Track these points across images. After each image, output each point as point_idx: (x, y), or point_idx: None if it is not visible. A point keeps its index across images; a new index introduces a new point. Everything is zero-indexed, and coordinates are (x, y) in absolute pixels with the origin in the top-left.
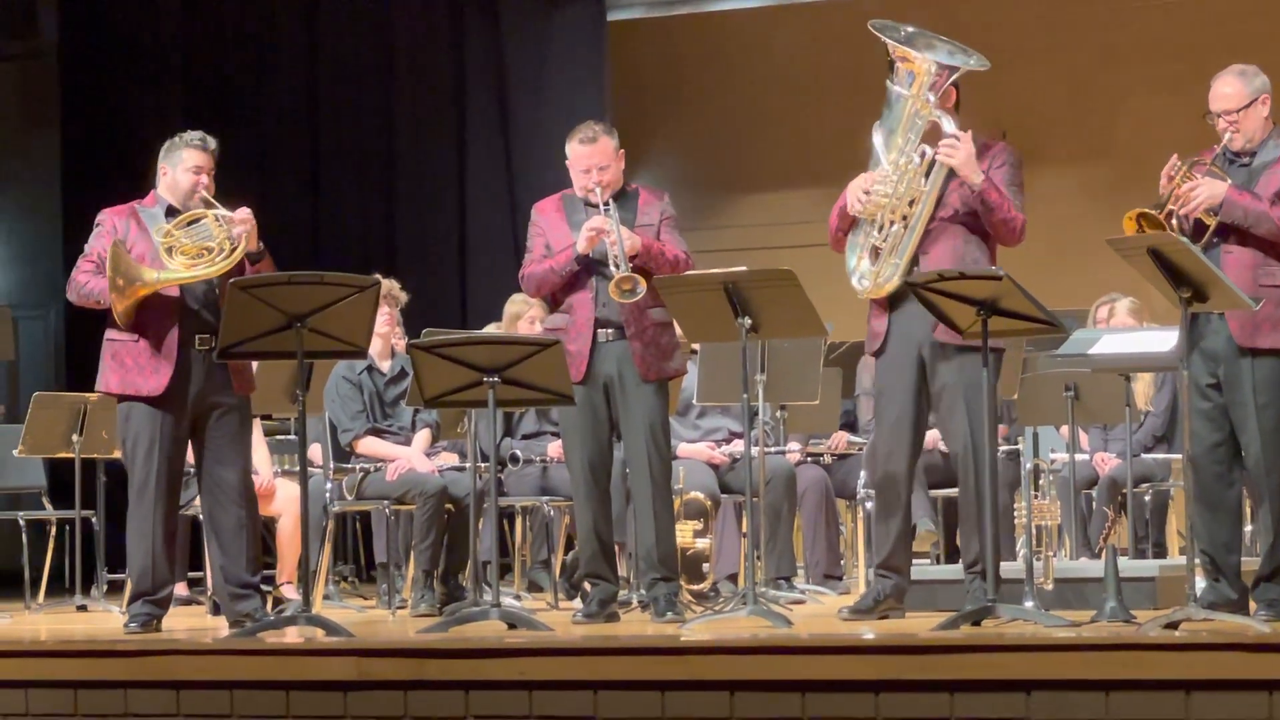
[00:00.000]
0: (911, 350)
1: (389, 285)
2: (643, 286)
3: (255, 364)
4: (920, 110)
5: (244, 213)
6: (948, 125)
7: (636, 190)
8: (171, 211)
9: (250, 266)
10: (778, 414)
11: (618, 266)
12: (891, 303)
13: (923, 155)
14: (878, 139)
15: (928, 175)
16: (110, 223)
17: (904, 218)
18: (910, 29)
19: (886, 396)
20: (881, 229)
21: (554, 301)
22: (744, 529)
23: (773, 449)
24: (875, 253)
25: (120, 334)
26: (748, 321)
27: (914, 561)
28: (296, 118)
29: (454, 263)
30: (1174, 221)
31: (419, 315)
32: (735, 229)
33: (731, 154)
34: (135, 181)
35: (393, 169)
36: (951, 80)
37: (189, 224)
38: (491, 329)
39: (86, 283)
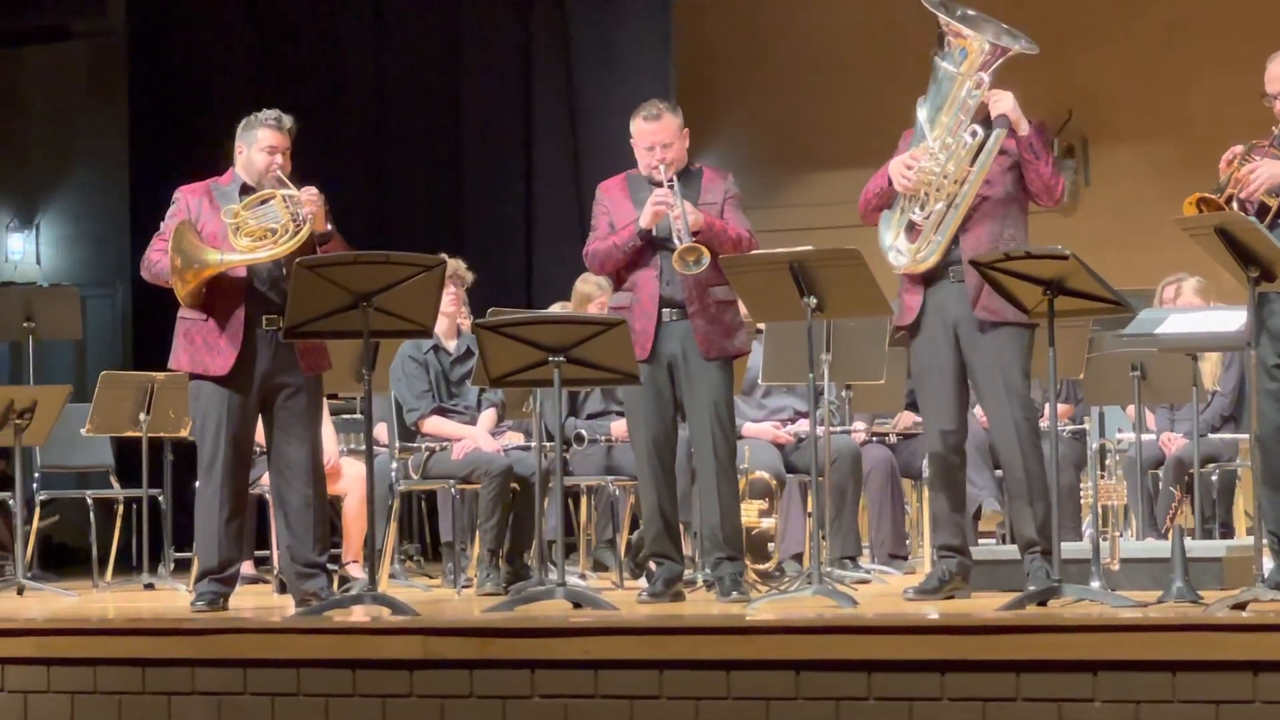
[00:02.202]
0: (947, 328)
1: (455, 265)
2: (707, 258)
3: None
4: (971, 89)
5: (310, 192)
6: (1000, 105)
7: (700, 169)
8: (246, 190)
9: (320, 248)
10: (843, 393)
11: (681, 240)
12: (926, 279)
13: (974, 135)
14: (922, 114)
15: (977, 155)
16: (184, 201)
17: (949, 197)
18: (965, 9)
19: (925, 376)
20: (924, 206)
21: (618, 280)
22: (809, 508)
23: (838, 428)
24: (912, 228)
25: (191, 313)
26: (813, 301)
27: (980, 541)
28: (364, 99)
29: (520, 242)
30: (1234, 205)
31: (484, 295)
32: (801, 208)
33: (797, 133)
34: (203, 160)
35: (459, 149)
36: (1001, 62)
37: (258, 204)
38: (557, 308)
39: (158, 261)
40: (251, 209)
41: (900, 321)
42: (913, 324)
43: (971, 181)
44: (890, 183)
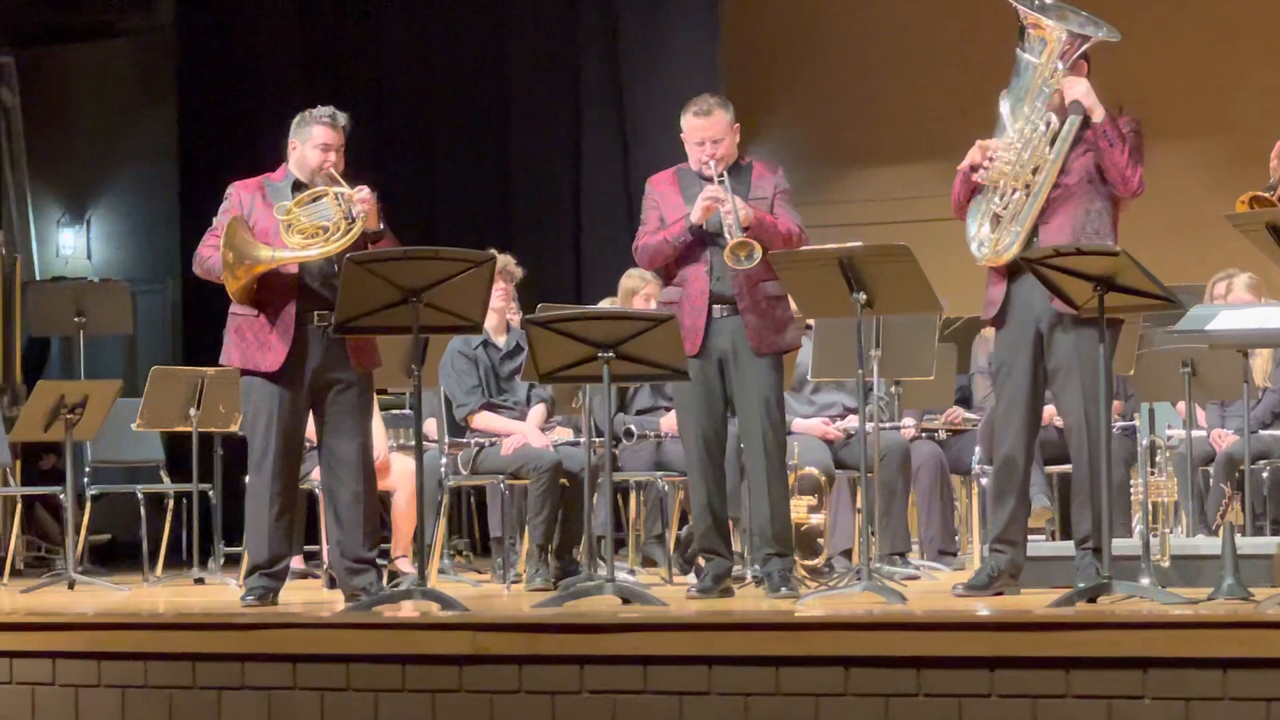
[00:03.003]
0: (1029, 323)
1: (504, 260)
2: (758, 252)
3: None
4: (1049, 79)
5: (364, 192)
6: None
7: (750, 164)
8: (299, 187)
9: (371, 246)
10: (892, 389)
11: (731, 235)
12: (1011, 272)
13: (1048, 124)
14: (1004, 107)
15: (1053, 144)
16: (237, 197)
17: (1026, 185)
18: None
19: (1005, 371)
20: (1003, 196)
21: (667, 275)
22: (858, 504)
23: (887, 424)
24: (996, 220)
25: (243, 309)
26: (863, 297)
27: (1028, 538)
28: (411, 93)
29: (569, 238)
30: None
31: (534, 290)
32: (851, 203)
33: (847, 128)
34: (253, 156)
35: (507, 144)
36: (1082, 51)
37: (310, 201)
38: (606, 304)
39: (210, 256)
40: (304, 206)
41: (986, 315)
42: (996, 317)
43: (1047, 170)
44: (972, 172)
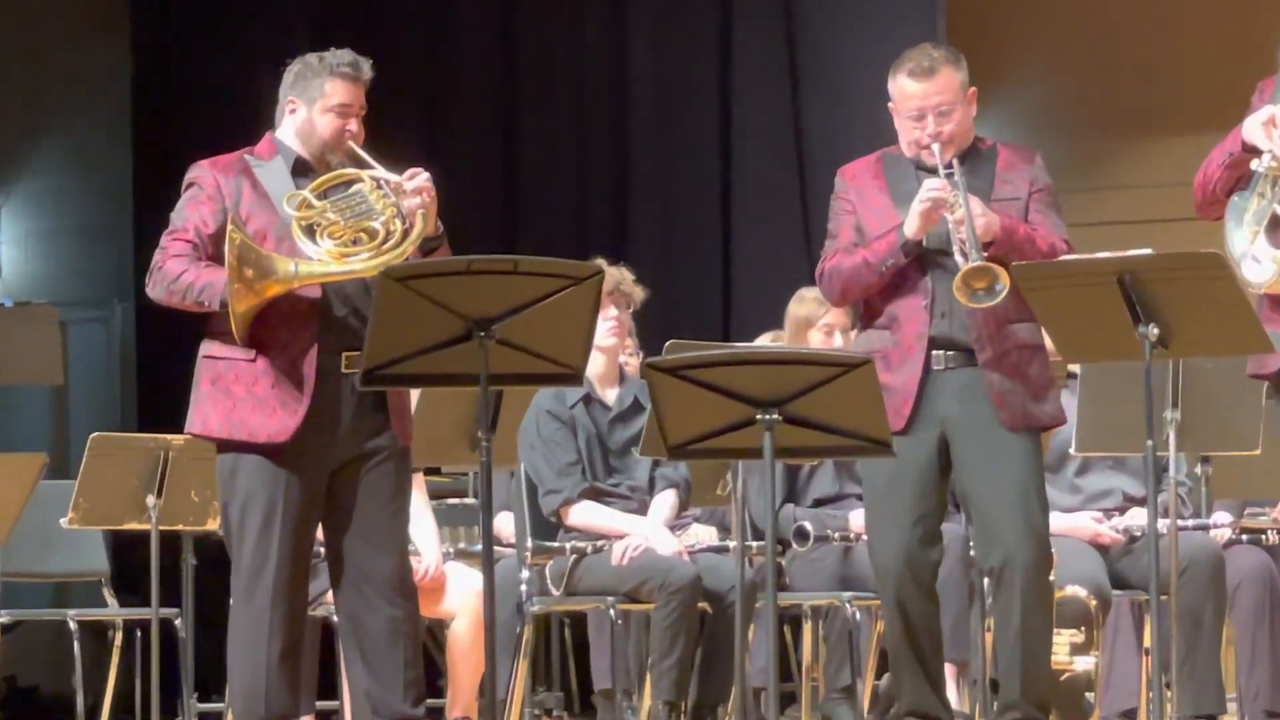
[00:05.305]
0: None
1: (616, 276)
2: (1004, 284)
3: (414, 396)
4: None
5: (421, 178)
6: None
7: (995, 148)
8: (302, 168)
9: (420, 256)
10: (1198, 470)
11: (966, 256)
12: None
13: None
14: None
15: None
16: (212, 180)
17: None
18: None
19: None
20: None
21: (866, 312)
22: (1146, 642)
23: (1190, 522)
24: (1276, 226)
25: (227, 349)
26: (1154, 331)
27: None
28: (485, 43)
29: (713, 247)
30: None
31: (661, 320)
32: (1132, 191)
33: (1123, 85)
34: (241, 130)
35: (622, 113)
36: None
37: (342, 189)
38: (767, 340)
39: (182, 273)
40: (334, 198)
41: (1260, 368)
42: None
43: None
44: (1242, 151)
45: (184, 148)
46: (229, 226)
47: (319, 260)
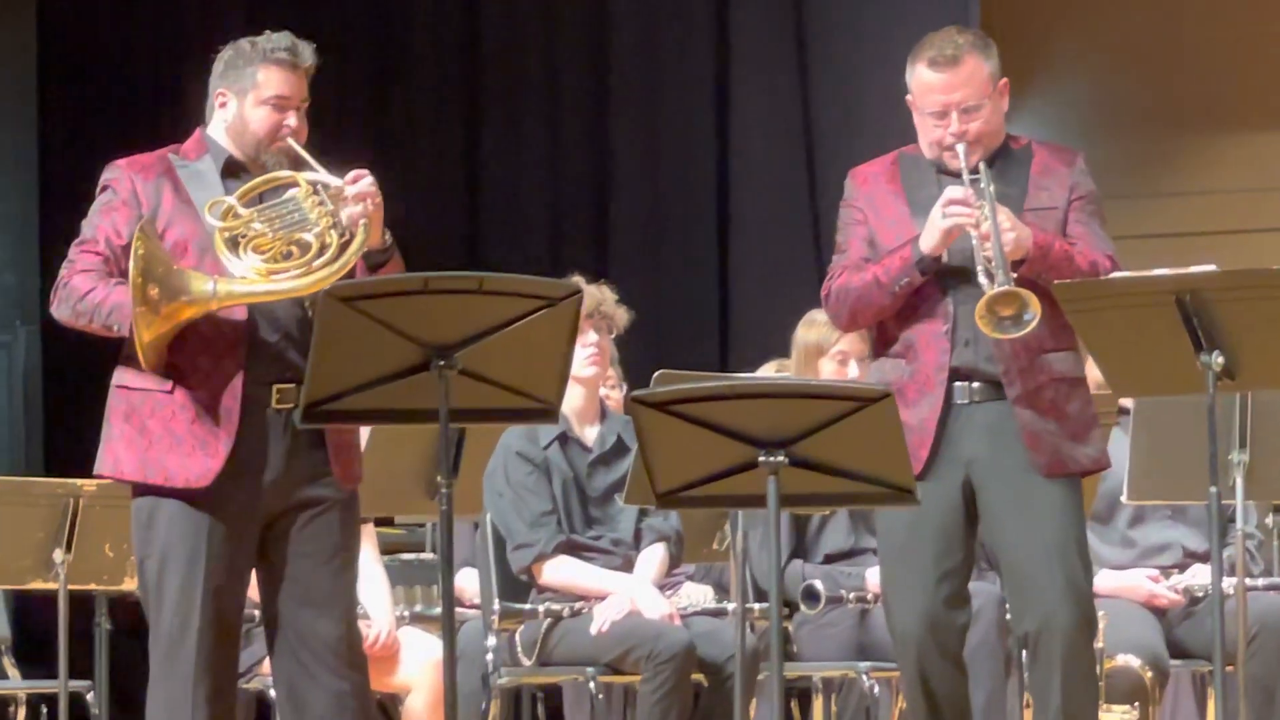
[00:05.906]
0: None
1: (597, 296)
2: (1034, 313)
3: (364, 435)
4: None
5: (364, 183)
6: None
7: (1029, 148)
8: (234, 170)
9: (370, 273)
10: (1269, 520)
11: (991, 277)
12: None
13: None
14: None
15: None
16: (128, 184)
17: None
18: None
19: None
20: None
21: (880, 338)
22: (1210, 718)
23: (1260, 581)
24: None
25: (143, 379)
26: (1219, 360)
27: None
28: (445, 24)
29: (708, 261)
30: None
31: (648, 348)
32: (1196, 198)
33: (1184, 74)
34: (169, 125)
35: (604, 106)
36: None
37: (271, 195)
38: (771, 370)
39: (89, 291)
40: (262, 206)
41: None
42: None
43: None
44: None
45: (99, 145)
46: (136, 233)
47: (243, 278)
